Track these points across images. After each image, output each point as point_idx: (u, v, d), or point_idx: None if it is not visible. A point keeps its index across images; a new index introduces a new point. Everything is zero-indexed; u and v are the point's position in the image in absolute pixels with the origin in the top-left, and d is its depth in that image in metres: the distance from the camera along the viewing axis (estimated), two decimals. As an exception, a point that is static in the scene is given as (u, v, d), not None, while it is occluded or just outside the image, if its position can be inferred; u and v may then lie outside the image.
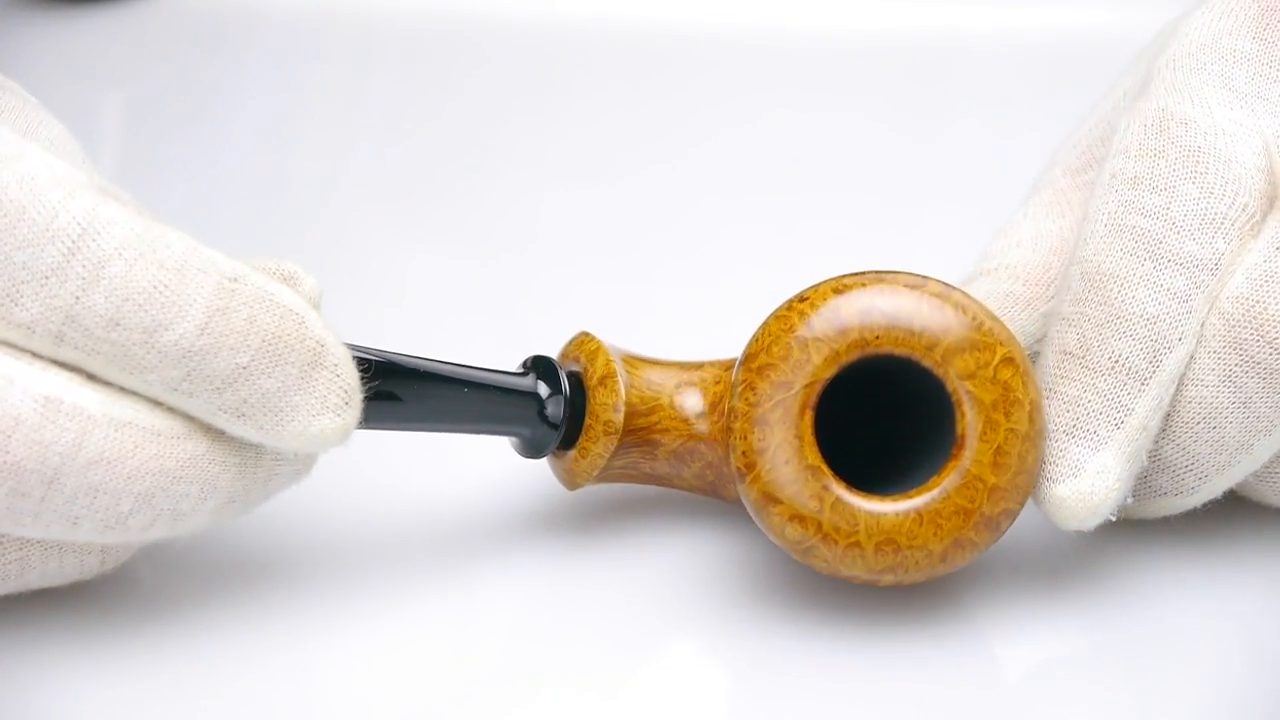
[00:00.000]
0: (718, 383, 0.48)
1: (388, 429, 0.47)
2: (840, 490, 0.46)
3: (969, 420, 0.46)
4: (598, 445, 0.48)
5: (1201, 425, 0.46)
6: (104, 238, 0.43)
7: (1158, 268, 0.46)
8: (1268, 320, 0.46)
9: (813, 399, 0.46)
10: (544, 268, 0.62)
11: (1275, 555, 0.49)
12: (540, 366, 0.48)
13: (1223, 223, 0.47)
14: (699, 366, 0.49)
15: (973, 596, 0.48)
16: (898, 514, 0.46)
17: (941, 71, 0.73)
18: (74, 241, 0.43)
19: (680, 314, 0.51)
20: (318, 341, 0.45)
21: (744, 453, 0.46)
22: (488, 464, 0.52)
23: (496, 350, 0.51)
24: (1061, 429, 0.46)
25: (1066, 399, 0.46)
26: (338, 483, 0.49)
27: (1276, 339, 0.46)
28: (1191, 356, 0.46)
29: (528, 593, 0.49)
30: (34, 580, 0.46)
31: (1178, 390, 0.47)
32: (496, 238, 0.64)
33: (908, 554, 0.46)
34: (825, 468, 0.46)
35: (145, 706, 0.46)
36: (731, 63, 0.74)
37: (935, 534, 0.46)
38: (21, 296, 0.43)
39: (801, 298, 0.46)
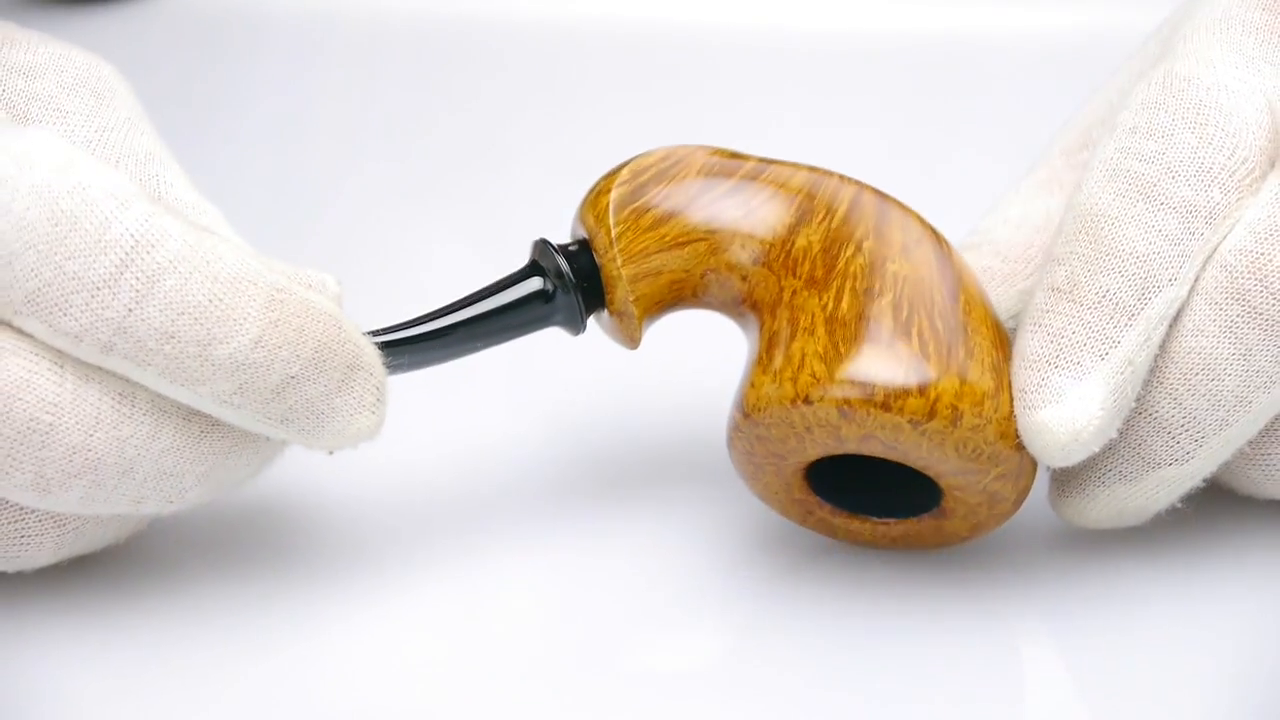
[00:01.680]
0: (778, 244, 0.48)
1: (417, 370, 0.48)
2: (824, 514, 0.48)
3: (954, 506, 0.47)
4: (628, 342, 0.49)
5: (1200, 377, 0.46)
6: (158, 251, 0.43)
7: (1151, 209, 0.46)
8: (1271, 271, 0.46)
9: (805, 466, 0.47)
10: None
11: (1267, 562, 0.49)
12: (544, 258, 0.49)
13: (1219, 173, 0.47)
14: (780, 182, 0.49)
15: (968, 606, 0.48)
16: (875, 538, 0.49)
17: (948, 73, 0.73)
18: (127, 254, 0.43)
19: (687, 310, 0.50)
20: (355, 344, 0.46)
21: (739, 471, 0.48)
22: (494, 443, 0.53)
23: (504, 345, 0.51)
24: (1044, 359, 0.46)
25: (1051, 331, 0.46)
26: (349, 461, 0.49)
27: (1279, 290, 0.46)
28: (1191, 308, 0.46)
29: (537, 569, 0.49)
30: (81, 549, 0.47)
31: (1176, 341, 0.46)
32: (506, 237, 0.63)
33: (885, 550, 0.49)
34: (812, 497, 0.48)
35: (151, 687, 0.46)
36: (741, 65, 0.74)
37: (910, 549, 0.49)
38: (71, 307, 0.43)
39: (806, 398, 0.45)
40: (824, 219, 0.47)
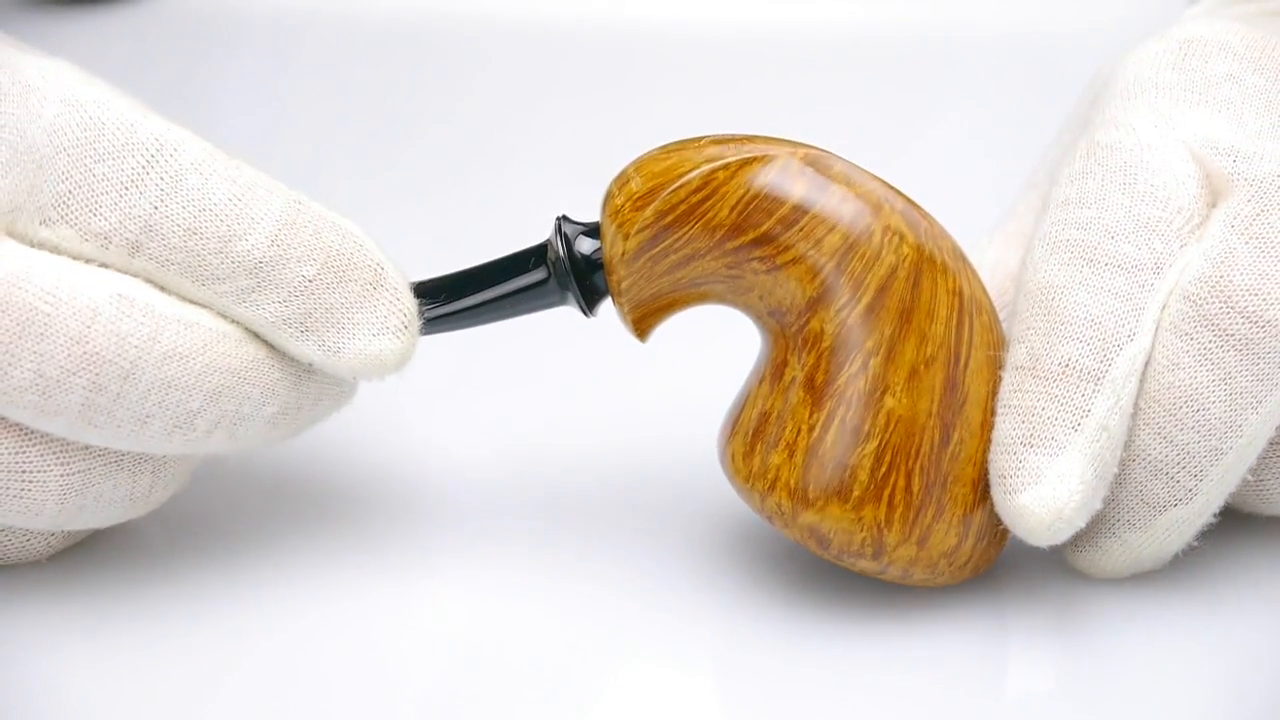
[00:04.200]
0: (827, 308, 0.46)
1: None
2: None
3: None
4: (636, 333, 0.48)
5: (1185, 410, 0.46)
6: (181, 153, 0.46)
7: (1096, 272, 0.46)
8: (1235, 291, 0.46)
9: None
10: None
11: (1266, 579, 0.49)
12: (555, 241, 0.48)
13: (1157, 224, 0.47)
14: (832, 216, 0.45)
15: (961, 627, 0.47)
16: None
17: (931, 67, 0.73)
18: (152, 155, 0.45)
19: (681, 313, 0.51)
20: (378, 263, 0.47)
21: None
22: (499, 447, 0.53)
23: (498, 345, 0.52)
24: (1018, 440, 0.45)
25: (1021, 411, 0.46)
26: (349, 459, 0.50)
27: (1247, 308, 0.46)
28: (1161, 345, 0.46)
29: (538, 573, 0.49)
30: (90, 504, 0.47)
31: (1153, 380, 0.46)
32: (499, 237, 0.64)
33: None
34: None
35: (149, 682, 0.46)
36: (724, 58, 0.74)
37: None
38: (100, 207, 0.45)
39: (769, 518, 0.46)
40: (845, 305, 0.45)
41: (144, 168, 0.45)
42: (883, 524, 0.45)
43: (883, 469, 0.45)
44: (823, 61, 0.74)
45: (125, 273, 0.45)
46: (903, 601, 0.48)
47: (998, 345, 0.46)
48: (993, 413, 0.46)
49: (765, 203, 0.45)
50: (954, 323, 0.46)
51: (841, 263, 0.45)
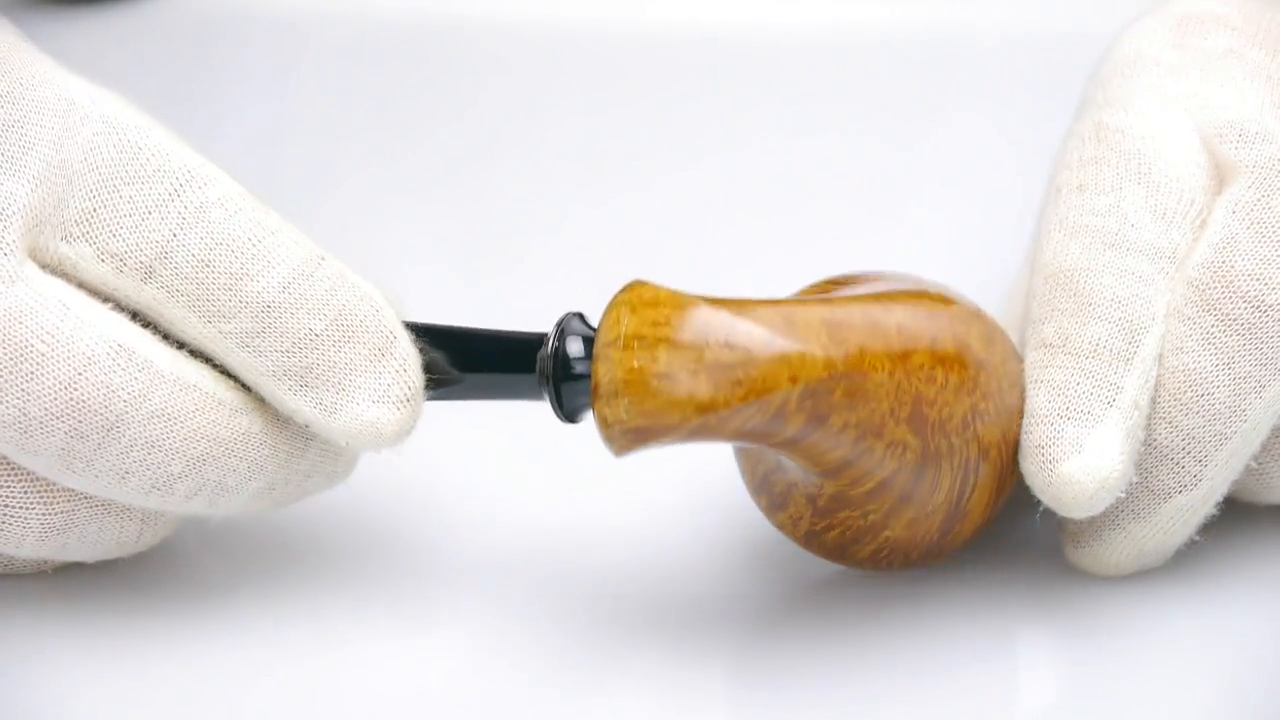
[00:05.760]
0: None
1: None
2: None
3: None
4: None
5: (1190, 394, 0.46)
6: (209, 187, 0.46)
7: (1119, 256, 0.47)
8: (1238, 276, 0.46)
9: None
10: (545, 270, 0.62)
11: (1267, 571, 0.49)
12: (549, 339, 0.46)
13: (1175, 216, 0.47)
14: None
15: (962, 627, 0.48)
16: None
17: (936, 67, 0.74)
18: (180, 184, 0.46)
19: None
20: (390, 331, 0.46)
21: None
22: (512, 467, 0.54)
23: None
24: (1054, 412, 0.46)
25: (1054, 385, 0.46)
26: (368, 492, 0.50)
27: (1249, 293, 0.46)
28: (1167, 329, 0.46)
29: (549, 591, 0.49)
30: (73, 543, 0.47)
31: (1161, 363, 0.46)
32: (499, 241, 0.64)
33: None
34: None
35: (156, 702, 0.46)
36: (726, 60, 0.74)
37: None
38: (121, 229, 0.45)
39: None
40: (848, 486, 0.45)
41: (170, 195, 0.46)
42: (885, 569, 0.47)
43: (884, 557, 0.47)
44: (830, 63, 0.74)
45: (137, 300, 0.45)
46: (908, 606, 0.48)
47: (1011, 449, 0.46)
48: (1000, 491, 0.47)
49: (763, 435, 0.44)
50: (958, 480, 0.46)
51: (841, 470, 0.45)
